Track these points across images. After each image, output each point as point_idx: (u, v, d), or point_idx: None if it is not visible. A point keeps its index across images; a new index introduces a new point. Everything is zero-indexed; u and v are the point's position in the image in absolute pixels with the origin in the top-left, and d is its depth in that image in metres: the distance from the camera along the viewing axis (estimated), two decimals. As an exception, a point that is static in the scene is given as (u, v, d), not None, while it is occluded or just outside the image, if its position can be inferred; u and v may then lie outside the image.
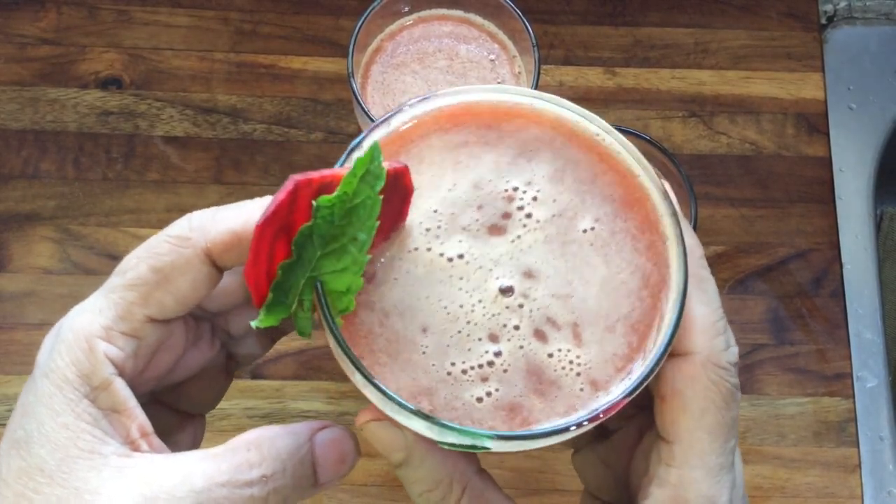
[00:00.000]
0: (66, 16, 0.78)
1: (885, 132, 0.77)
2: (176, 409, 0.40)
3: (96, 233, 0.72)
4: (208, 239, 0.34)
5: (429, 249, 0.34)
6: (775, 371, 0.70)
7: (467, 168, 0.35)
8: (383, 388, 0.31)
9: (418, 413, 0.31)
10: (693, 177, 0.72)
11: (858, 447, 0.68)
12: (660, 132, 0.75)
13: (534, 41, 0.59)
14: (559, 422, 0.32)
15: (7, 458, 0.33)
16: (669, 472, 0.34)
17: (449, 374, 0.33)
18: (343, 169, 0.31)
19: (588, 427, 0.32)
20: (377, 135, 0.35)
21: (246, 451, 0.33)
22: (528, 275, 0.34)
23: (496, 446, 0.31)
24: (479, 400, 0.32)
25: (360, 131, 0.63)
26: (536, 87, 0.58)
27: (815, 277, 0.73)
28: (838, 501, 0.67)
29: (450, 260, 0.34)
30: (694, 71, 0.78)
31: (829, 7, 0.80)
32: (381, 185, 0.31)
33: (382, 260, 0.34)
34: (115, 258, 0.72)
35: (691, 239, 0.35)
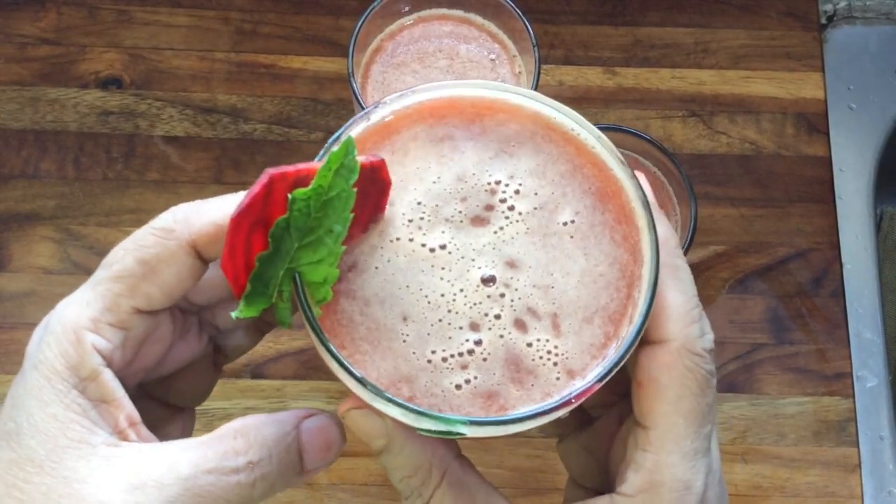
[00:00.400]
0: (66, 16, 0.78)
1: (885, 132, 0.77)
2: (165, 402, 0.41)
3: (96, 233, 0.72)
4: (193, 231, 0.35)
5: (411, 240, 0.35)
6: (775, 371, 0.70)
7: (451, 161, 0.35)
8: (358, 374, 0.32)
9: (392, 399, 0.32)
10: (693, 177, 0.72)
11: (858, 447, 0.68)
12: (660, 132, 0.75)
13: (534, 41, 0.59)
14: (532, 407, 0.33)
15: None
16: (646, 456, 0.34)
17: (429, 361, 0.33)
18: (318, 163, 0.32)
19: (562, 412, 0.33)
20: (357, 128, 0.35)
21: (232, 439, 0.34)
22: (511, 265, 0.35)
23: (470, 431, 0.32)
24: (458, 387, 0.33)
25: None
26: (536, 86, 0.58)
27: (815, 277, 0.73)
28: (838, 501, 0.67)
29: (432, 250, 0.35)
30: (694, 71, 0.78)
31: (829, 7, 0.80)
32: (355, 178, 0.31)
33: (361, 250, 0.34)
34: (115, 258, 0.72)
35: (665, 229, 0.35)
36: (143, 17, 0.78)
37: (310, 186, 0.31)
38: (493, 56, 0.61)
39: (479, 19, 0.62)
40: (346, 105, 0.75)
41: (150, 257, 0.35)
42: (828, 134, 0.76)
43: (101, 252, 0.72)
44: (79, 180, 0.73)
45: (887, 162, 0.76)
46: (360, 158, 0.32)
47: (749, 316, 0.72)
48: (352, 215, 0.32)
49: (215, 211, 0.35)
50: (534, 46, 0.59)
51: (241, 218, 0.31)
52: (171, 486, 0.32)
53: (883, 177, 0.76)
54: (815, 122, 0.76)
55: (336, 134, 0.35)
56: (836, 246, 0.73)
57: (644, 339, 0.35)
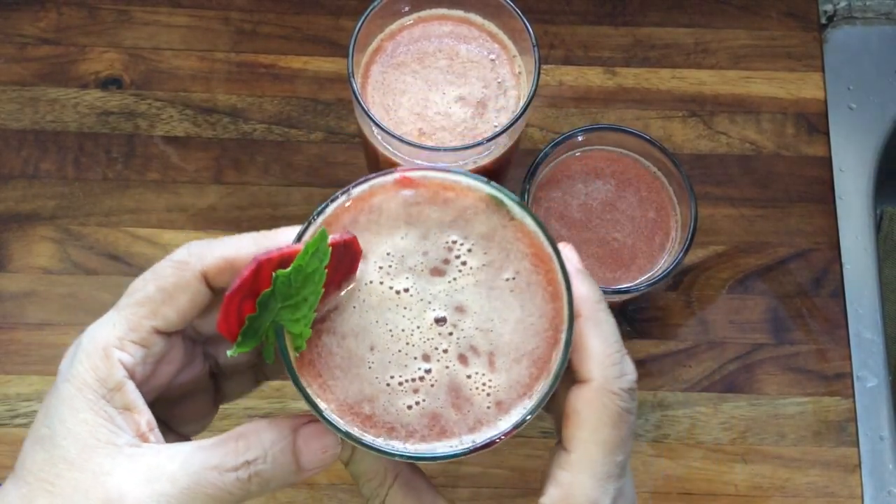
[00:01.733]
0: (66, 16, 0.78)
1: (885, 132, 0.77)
2: (168, 426, 0.47)
3: (96, 233, 0.72)
4: (204, 263, 0.42)
5: (381, 283, 0.42)
6: (775, 371, 0.70)
7: (417, 222, 0.43)
8: (322, 410, 0.40)
9: (347, 434, 0.40)
10: (693, 177, 0.72)
11: (858, 447, 0.68)
12: (660, 132, 0.75)
13: (534, 41, 0.59)
14: (450, 448, 0.40)
15: (31, 452, 0.40)
16: (564, 475, 0.41)
17: (388, 385, 0.41)
18: (298, 245, 0.39)
19: (475, 454, 0.40)
20: (342, 199, 0.42)
21: (235, 442, 0.40)
22: (460, 309, 0.42)
23: (402, 459, 0.40)
24: (410, 407, 0.40)
25: (360, 131, 0.63)
26: (537, 86, 0.58)
27: (815, 277, 0.73)
28: (838, 501, 0.67)
29: (397, 292, 0.42)
30: (694, 71, 0.78)
31: (829, 7, 0.80)
32: (326, 261, 0.39)
33: (341, 297, 0.42)
34: (115, 258, 0.72)
35: (589, 287, 0.42)
36: (142, 17, 0.78)
37: (291, 266, 0.38)
38: (493, 56, 0.61)
39: (479, 19, 0.62)
40: (346, 105, 0.75)
41: (169, 285, 0.41)
42: (828, 134, 0.76)
43: (101, 252, 0.72)
44: (79, 180, 0.73)
45: (887, 162, 0.76)
46: (336, 236, 0.40)
47: (749, 316, 0.72)
48: (322, 290, 0.39)
49: (224, 247, 0.42)
50: (534, 46, 0.59)
51: (232, 296, 0.38)
52: (181, 479, 0.39)
53: (883, 177, 0.76)
54: (815, 122, 0.76)
55: (320, 207, 0.42)
56: (836, 246, 0.73)
57: (573, 378, 0.41)
